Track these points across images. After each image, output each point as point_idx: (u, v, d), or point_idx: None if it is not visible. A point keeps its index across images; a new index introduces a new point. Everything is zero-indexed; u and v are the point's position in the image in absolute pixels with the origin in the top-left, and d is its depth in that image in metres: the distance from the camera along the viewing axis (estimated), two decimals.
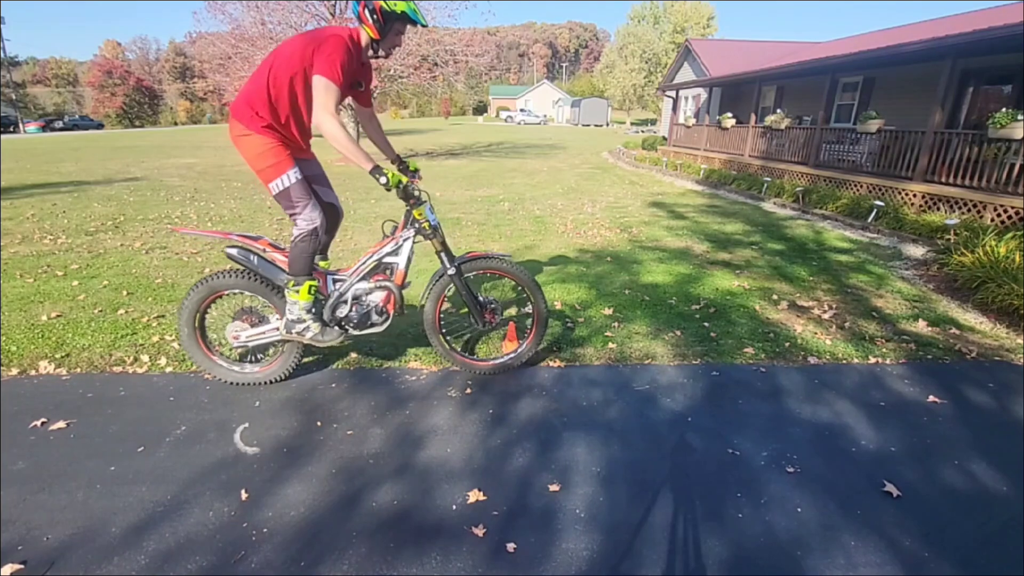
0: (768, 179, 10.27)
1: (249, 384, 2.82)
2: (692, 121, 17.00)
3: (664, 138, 20.06)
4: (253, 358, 2.92)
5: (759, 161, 11.99)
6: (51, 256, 5.16)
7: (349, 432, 2.44)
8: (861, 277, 4.98)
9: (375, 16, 2.36)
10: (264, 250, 2.66)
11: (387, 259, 2.70)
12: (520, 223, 7.09)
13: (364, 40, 2.45)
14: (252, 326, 2.75)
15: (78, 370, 2.97)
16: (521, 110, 65.25)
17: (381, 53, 2.50)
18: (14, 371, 2.94)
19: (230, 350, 2.88)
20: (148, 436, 2.38)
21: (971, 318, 4.00)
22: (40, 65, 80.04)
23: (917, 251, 6.05)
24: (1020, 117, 6.56)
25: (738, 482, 2.14)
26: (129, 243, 5.73)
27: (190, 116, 62.11)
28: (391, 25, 2.42)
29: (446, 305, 3.29)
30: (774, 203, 9.42)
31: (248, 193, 9.50)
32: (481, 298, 2.92)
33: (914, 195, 7.80)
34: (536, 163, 16.10)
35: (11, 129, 39.26)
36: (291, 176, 2.44)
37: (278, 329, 2.70)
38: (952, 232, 5.90)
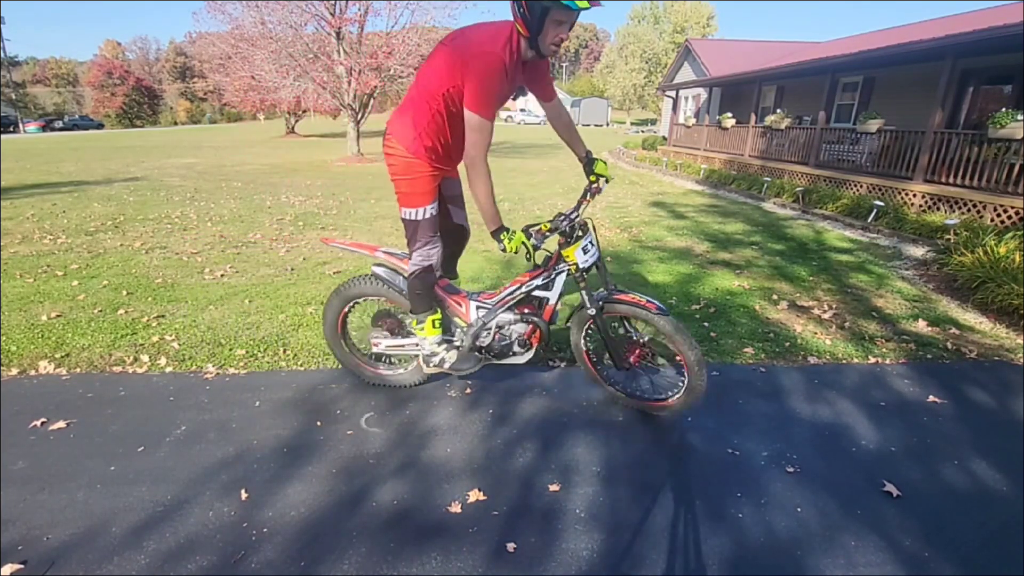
0: (768, 179, 10.27)
1: (384, 386, 2.80)
2: (692, 121, 17.00)
3: (664, 138, 20.06)
4: (389, 360, 2.88)
5: (759, 161, 11.99)
6: (51, 256, 5.16)
7: (349, 432, 2.44)
8: (861, 277, 4.98)
9: (521, 9, 1.94)
10: None
11: (537, 292, 2.42)
12: (521, 223, 7.09)
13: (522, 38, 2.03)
14: (392, 334, 2.69)
15: (78, 370, 2.97)
16: (521, 110, 65.10)
17: (542, 50, 2.02)
18: (14, 371, 2.94)
19: (368, 350, 2.82)
20: (148, 436, 2.38)
21: (971, 318, 4.00)
22: (40, 65, 79.97)
23: (917, 251, 6.05)
24: (1020, 117, 6.56)
25: (738, 482, 2.14)
26: (129, 243, 5.73)
27: (190, 116, 62.10)
28: (542, 17, 1.93)
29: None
30: (774, 203, 9.42)
31: (248, 193, 9.50)
32: (633, 335, 2.49)
33: (914, 195, 7.80)
34: (536, 163, 16.10)
35: (11, 129, 39.25)
36: (427, 211, 2.28)
37: (418, 345, 2.60)
38: (952, 232, 5.90)
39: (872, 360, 3.25)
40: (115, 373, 2.96)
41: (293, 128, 31.70)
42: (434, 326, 2.47)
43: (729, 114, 14.17)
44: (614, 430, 2.49)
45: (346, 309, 2.71)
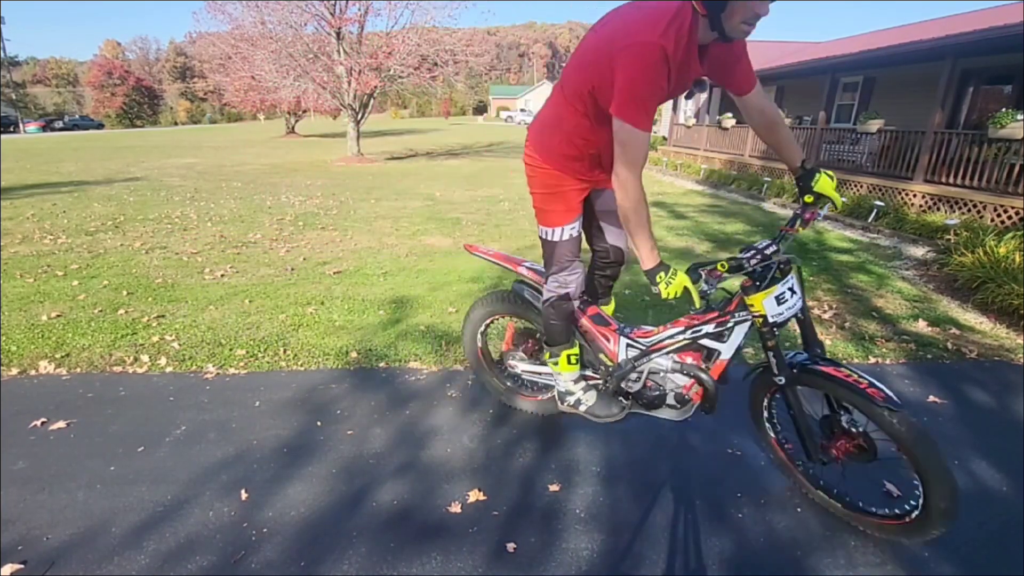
0: (768, 179, 10.27)
1: (520, 410, 2.61)
2: (692, 121, 16.99)
3: (664, 138, 20.05)
4: (526, 384, 2.66)
5: (759, 161, 11.99)
6: (51, 256, 5.16)
7: (349, 432, 2.44)
8: (861, 277, 4.98)
9: None
10: None
11: (706, 341, 1.86)
12: (520, 223, 7.09)
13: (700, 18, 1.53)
14: (529, 356, 2.49)
15: (78, 370, 2.97)
16: (521, 110, 65.18)
17: (727, 31, 1.51)
18: (14, 371, 2.94)
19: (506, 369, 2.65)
20: (148, 436, 2.38)
21: (971, 318, 4.00)
22: (40, 65, 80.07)
23: (917, 251, 6.05)
24: (1020, 117, 6.56)
25: (738, 482, 2.14)
26: (129, 243, 5.73)
27: (190, 116, 62.19)
28: None
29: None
30: (774, 203, 9.42)
31: (248, 193, 9.50)
32: (845, 422, 1.78)
33: (915, 195, 7.80)
34: None
35: (11, 129, 39.26)
36: (565, 231, 1.95)
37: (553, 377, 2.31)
38: (952, 232, 5.90)
39: (872, 360, 3.25)
40: (115, 373, 2.96)
41: (293, 128, 31.69)
42: (570, 362, 2.12)
43: (729, 114, 14.15)
44: (614, 430, 2.49)
45: (488, 321, 2.55)
